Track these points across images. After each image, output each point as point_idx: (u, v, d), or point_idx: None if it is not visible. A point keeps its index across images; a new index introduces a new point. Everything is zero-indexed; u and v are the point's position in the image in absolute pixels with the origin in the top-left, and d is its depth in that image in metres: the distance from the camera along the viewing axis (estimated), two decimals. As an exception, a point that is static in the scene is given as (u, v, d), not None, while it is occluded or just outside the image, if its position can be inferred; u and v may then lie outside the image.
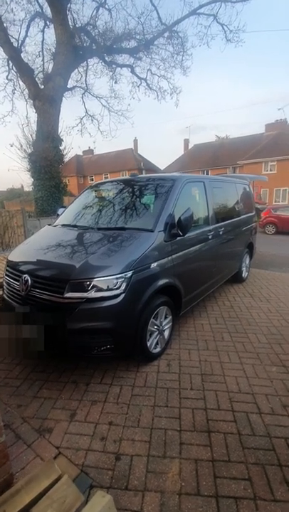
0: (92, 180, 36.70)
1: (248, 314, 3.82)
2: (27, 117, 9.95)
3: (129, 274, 2.32)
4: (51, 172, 9.17)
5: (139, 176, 3.60)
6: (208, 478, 1.61)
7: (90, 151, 40.67)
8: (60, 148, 9.56)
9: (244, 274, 5.22)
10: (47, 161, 8.91)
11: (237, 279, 5.05)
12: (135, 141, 39.07)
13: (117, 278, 2.27)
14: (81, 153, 40.47)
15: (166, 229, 2.72)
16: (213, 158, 30.06)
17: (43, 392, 2.34)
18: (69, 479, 1.42)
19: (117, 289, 2.25)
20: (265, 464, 1.69)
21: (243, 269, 5.16)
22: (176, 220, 2.71)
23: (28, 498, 1.26)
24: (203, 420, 2.02)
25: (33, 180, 9.48)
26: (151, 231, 2.66)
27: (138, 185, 3.39)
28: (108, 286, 2.23)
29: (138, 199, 3.20)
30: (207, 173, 27.86)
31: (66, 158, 10.21)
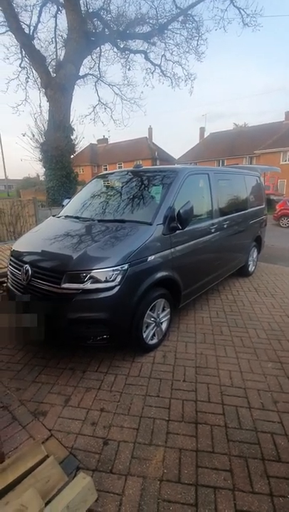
0: (106, 169, 36.64)
1: (250, 309, 3.78)
2: (40, 106, 9.88)
3: (125, 266, 2.34)
4: (62, 162, 9.23)
5: (143, 167, 3.57)
6: (190, 467, 1.66)
7: (105, 140, 40.39)
8: (72, 137, 9.57)
9: (251, 268, 5.14)
10: (58, 151, 8.96)
11: (243, 272, 4.98)
12: (150, 130, 38.43)
13: (112, 270, 2.30)
14: (95, 142, 40.32)
15: (165, 222, 2.72)
16: (229, 147, 29.18)
17: (41, 377, 2.45)
18: (54, 460, 1.51)
19: (112, 281, 2.29)
20: (248, 457, 1.72)
21: (250, 262, 5.08)
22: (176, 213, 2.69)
23: (12, 477, 1.35)
24: (192, 412, 2.06)
25: (44, 170, 9.59)
26: (150, 224, 2.66)
27: (140, 177, 3.38)
28: (104, 279, 2.28)
29: (139, 191, 3.19)
30: (223, 163, 27.16)
31: (78, 148, 10.24)
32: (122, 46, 10.86)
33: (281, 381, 2.38)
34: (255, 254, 5.27)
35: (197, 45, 10.87)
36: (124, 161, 35.14)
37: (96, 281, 2.27)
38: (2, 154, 29.20)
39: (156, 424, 1.96)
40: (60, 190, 9.32)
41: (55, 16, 10.73)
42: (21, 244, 3.03)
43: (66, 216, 3.38)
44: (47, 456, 1.51)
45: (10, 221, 7.83)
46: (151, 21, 10.08)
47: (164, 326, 2.93)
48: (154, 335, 2.81)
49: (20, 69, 10.94)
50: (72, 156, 10.04)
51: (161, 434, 1.88)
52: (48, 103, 9.37)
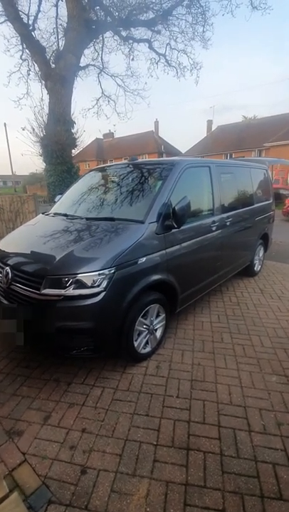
0: (112, 164, 36.22)
1: (255, 313, 3.52)
2: (42, 99, 9.59)
3: (112, 270, 2.11)
4: (63, 156, 8.99)
5: (138, 160, 3.31)
6: (177, 506, 1.44)
7: (111, 135, 39.96)
8: (73, 131, 9.30)
9: (256, 268, 4.85)
10: (58, 145, 8.71)
11: (248, 272, 4.69)
12: (156, 123, 37.80)
13: (98, 274, 2.07)
14: (101, 137, 39.92)
15: (159, 220, 2.47)
16: (238, 140, 28.39)
17: (22, 390, 2.26)
18: (19, 497, 1.31)
19: (97, 286, 2.06)
20: (245, 494, 1.49)
21: (256, 262, 4.78)
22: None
23: None
24: (184, 435, 1.84)
25: (45, 165, 9.37)
26: (142, 222, 2.42)
27: (134, 171, 3.12)
28: (87, 284, 2.05)
29: (132, 186, 2.93)
30: (230, 157, 26.45)
31: (79, 142, 9.94)
32: (124, 35, 10.47)
33: (286, 398, 2.13)
34: (261, 253, 4.97)
35: (203, 31, 10.39)
36: (130, 156, 34.65)
37: (79, 286, 2.05)
38: (9, 150, 29.14)
39: (142, 449, 1.75)
40: (61, 186, 9.09)
41: (56, 5, 10.38)
42: (5, 244, 2.82)
43: (55, 214, 3.16)
44: (8, 494, 1.31)
45: (9, 217, 7.68)
46: (155, 7, 9.64)
47: (158, 333, 2.70)
48: (147, 343, 2.58)
49: (21, 61, 10.70)
50: (73, 151, 9.79)
51: (147, 463, 1.66)
52: (48, 96, 9.11)
